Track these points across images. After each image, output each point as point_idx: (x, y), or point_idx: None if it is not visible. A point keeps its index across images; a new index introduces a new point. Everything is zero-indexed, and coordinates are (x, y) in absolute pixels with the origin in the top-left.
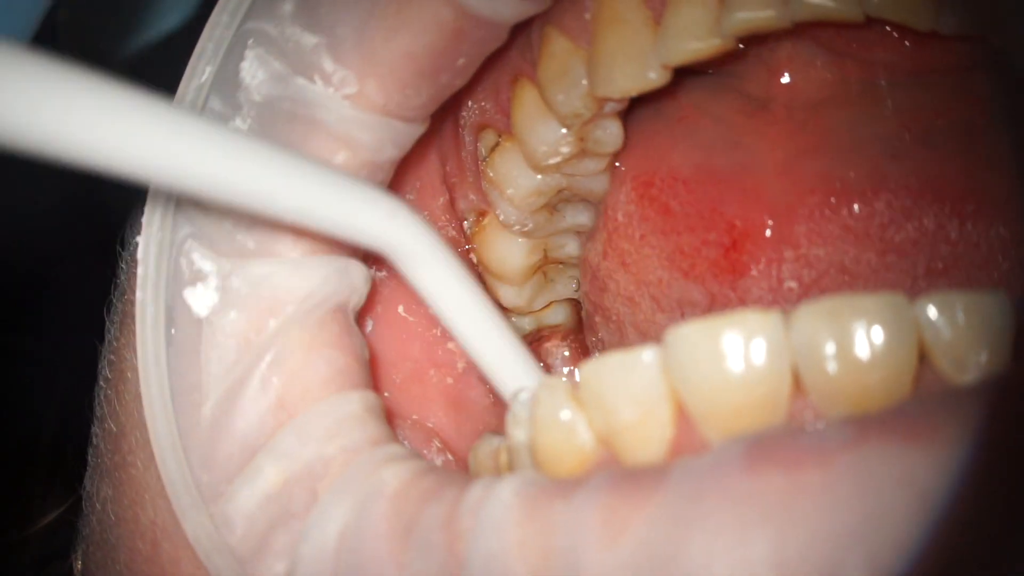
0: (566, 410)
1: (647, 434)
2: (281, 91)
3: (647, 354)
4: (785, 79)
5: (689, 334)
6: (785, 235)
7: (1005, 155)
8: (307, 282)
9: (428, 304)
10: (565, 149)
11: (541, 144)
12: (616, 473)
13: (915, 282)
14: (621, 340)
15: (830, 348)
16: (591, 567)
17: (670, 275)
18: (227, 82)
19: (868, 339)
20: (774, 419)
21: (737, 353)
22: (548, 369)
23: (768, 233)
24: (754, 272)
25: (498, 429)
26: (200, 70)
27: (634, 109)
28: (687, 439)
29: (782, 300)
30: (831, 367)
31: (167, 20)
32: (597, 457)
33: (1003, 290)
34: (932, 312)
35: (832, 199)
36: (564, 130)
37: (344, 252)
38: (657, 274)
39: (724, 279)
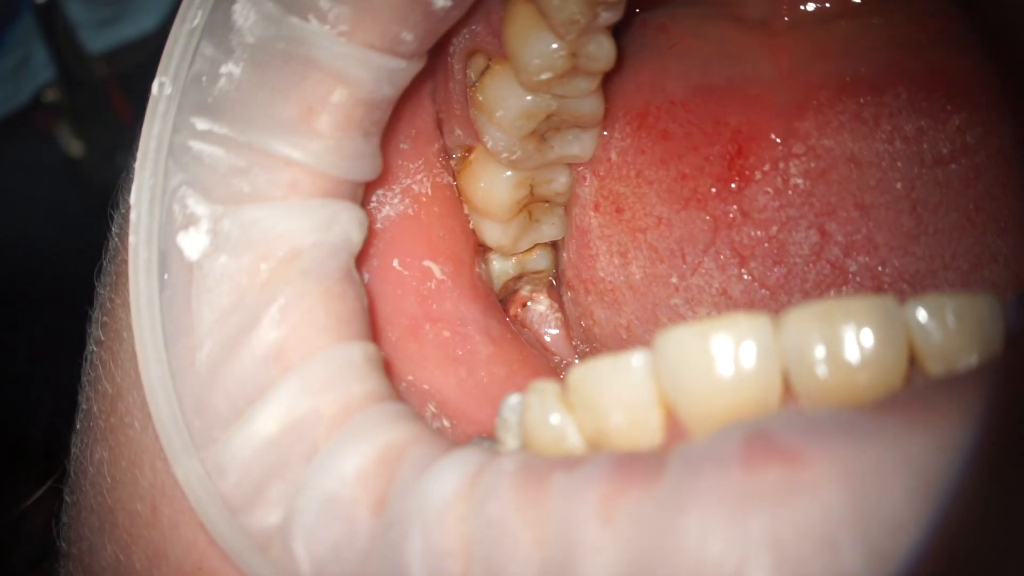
0: (556, 414)
1: (637, 437)
2: (274, 31)
3: (636, 358)
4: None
5: (678, 337)
6: (792, 130)
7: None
8: (299, 226)
9: None
10: (558, 63)
11: (534, 58)
12: (617, 454)
13: (921, 170)
14: (617, 314)
15: (820, 351)
16: (588, 540)
17: (670, 210)
18: (219, 26)
19: (858, 342)
20: None
21: (727, 356)
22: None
23: (774, 133)
24: (758, 175)
25: (499, 376)
26: (192, 15)
27: (620, 48)
28: (677, 442)
29: (787, 205)
30: (821, 370)
31: (143, 20)
32: (591, 456)
33: (993, 293)
34: (922, 314)
35: (843, 92)
36: (556, 44)
37: (340, 197)
38: (656, 213)
39: (728, 194)
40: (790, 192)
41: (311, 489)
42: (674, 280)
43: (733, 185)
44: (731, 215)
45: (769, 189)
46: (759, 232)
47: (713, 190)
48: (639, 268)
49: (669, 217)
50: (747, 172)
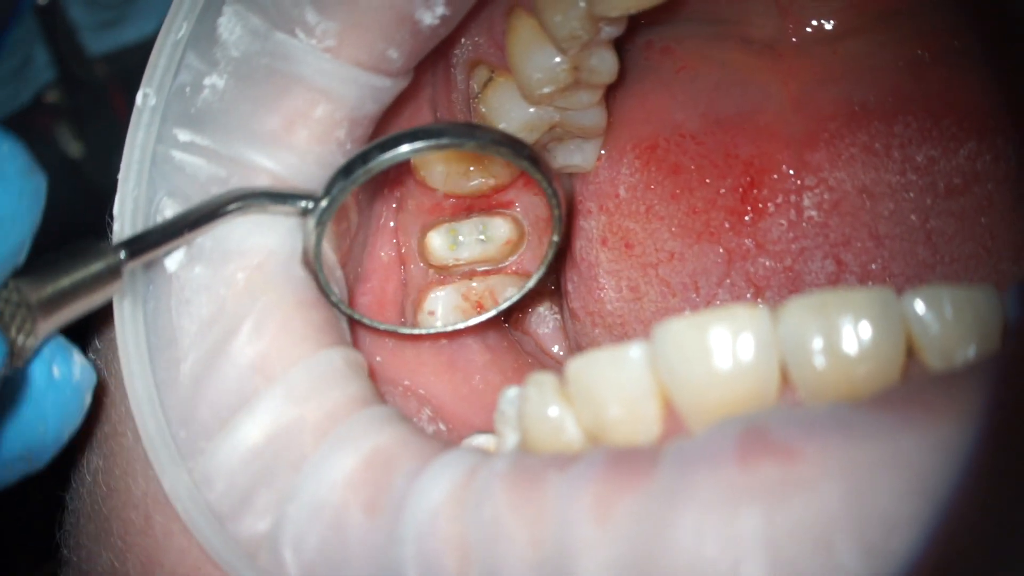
0: (554, 406)
1: (635, 429)
2: (259, 46)
3: (635, 350)
4: (799, 17)
5: (676, 329)
6: (804, 163)
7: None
8: (273, 237)
9: None
10: (560, 77)
11: (536, 71)
12: (611, 451)
13: (935, 200)
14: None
15: (818, 343)
16: (583, 540)
17: (682, 244)
18: (204, 38)
19: (856, 334)
20: None
21: (725, 348)
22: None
23: (785, 165)
24: (771, 208)
25: (494, 383)
26: (177, 26)
27: (625, 72)
28: (675, 434)
29: (802, 237)
30: (819, 362)
31: (144, 23)
32: (585, 453)
33: (991, 285)
34: (920, 306)
35: (852, 122)
36: (559, 58)
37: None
38: (668, 247)
39: (741, 227)
40: (804, 224)
41: (300, 496)
42: (687, 313)
43: (747, 218)
44: (745, 247)
45: (783, 221)
46: (775, 263)
47: (726, 224)
48: (651, 302)
49: (682, 251)
50: (760, 205)
